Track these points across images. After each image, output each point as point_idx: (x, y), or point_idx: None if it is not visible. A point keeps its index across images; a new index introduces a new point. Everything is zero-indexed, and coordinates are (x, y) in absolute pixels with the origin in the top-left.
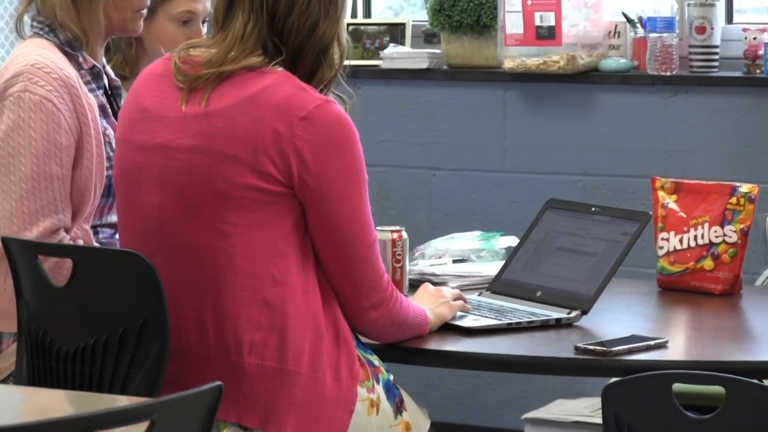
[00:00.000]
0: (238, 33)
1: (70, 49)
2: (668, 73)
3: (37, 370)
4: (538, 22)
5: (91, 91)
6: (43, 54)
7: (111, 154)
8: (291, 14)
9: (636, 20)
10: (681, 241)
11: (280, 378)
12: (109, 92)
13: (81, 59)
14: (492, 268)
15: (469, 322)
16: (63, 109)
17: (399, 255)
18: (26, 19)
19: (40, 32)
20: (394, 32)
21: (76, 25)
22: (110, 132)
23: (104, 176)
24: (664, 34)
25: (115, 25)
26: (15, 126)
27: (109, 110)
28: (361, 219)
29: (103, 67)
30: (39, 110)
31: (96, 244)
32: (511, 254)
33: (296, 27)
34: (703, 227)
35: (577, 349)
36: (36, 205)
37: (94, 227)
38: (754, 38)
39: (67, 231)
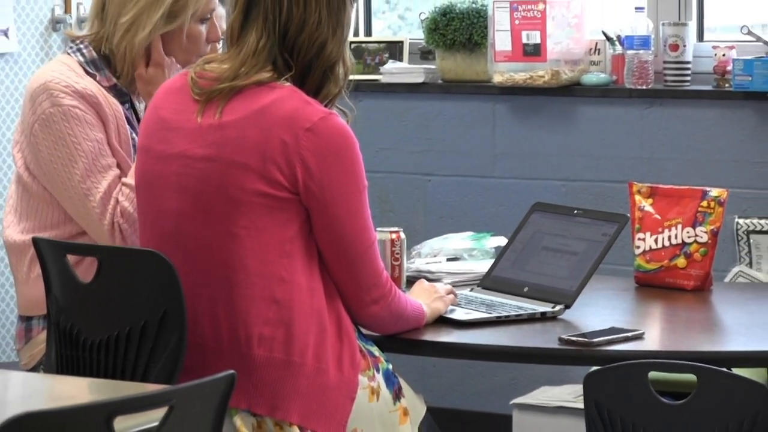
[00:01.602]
0: (251, 49)
1: (93, 68)
2: (644, 87)
3: (65, 360)
4: (525, 40)
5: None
6: (58, 70)
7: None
8: (302, 33)
9: (615, 38)
10: (656, 241)
11: (287, 368)
12: (135, 107)
13: (100, 78)
14: (483, 266)
15: (461, 315)
16: (88, 111)
17: (397, 254)
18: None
19: (68, 50)
20: (393, 49)
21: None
22: (136, 139)
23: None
24: (641, 51)
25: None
26: (57, 139)
27: (135, 122)
28: (362, 222)
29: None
30: (70, 118)
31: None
32: (500, 253)
33: (306, 45)
34: (676, 228)
35: (560, 340)
36: (99, 195)
37: None
38: (723, 55)
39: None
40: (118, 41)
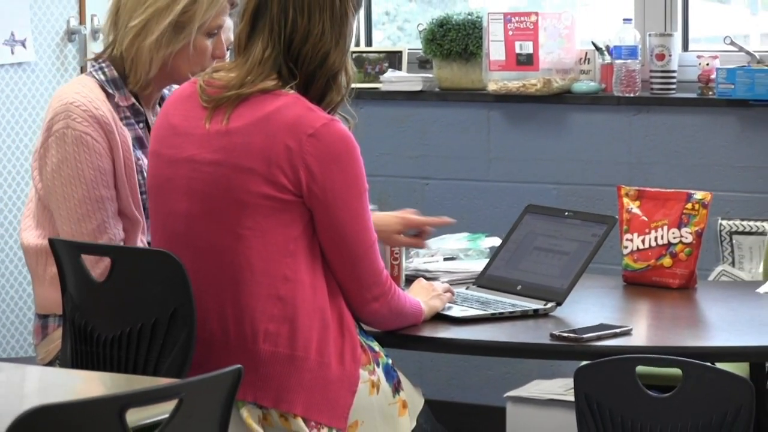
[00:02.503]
0: (257, 58)
1: (113, 87)
2: (632, 95)
3: (80, 355)
4: (518, 50)
5: (129, 125)
6: (81, 92)
7: (142, 181)
8: (306, 43)
9: (604, 48)
10: (643, 241)
11: (291, 363)
12: (149, 126)
13: (118, 98)
14: (478, 265)
15: (458, 312)
16: (100, 140)
17: (396, 254)
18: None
19: (91, 69)
20: (392, 59)
21: (128, 63)
22: (143, 162)
23: (139, 198)
24: (628, 61)
25: (180, 77)
26: (63, 159)
27: (146, 142)
28: (363, 223)
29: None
30: (80, 143)
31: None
32: (495, 253)
33: (310, 55)
34: (662, 229)
35: (552, 336)
36: (92, 225)
37: None
38: (707, 64)
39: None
40: (128, 44)
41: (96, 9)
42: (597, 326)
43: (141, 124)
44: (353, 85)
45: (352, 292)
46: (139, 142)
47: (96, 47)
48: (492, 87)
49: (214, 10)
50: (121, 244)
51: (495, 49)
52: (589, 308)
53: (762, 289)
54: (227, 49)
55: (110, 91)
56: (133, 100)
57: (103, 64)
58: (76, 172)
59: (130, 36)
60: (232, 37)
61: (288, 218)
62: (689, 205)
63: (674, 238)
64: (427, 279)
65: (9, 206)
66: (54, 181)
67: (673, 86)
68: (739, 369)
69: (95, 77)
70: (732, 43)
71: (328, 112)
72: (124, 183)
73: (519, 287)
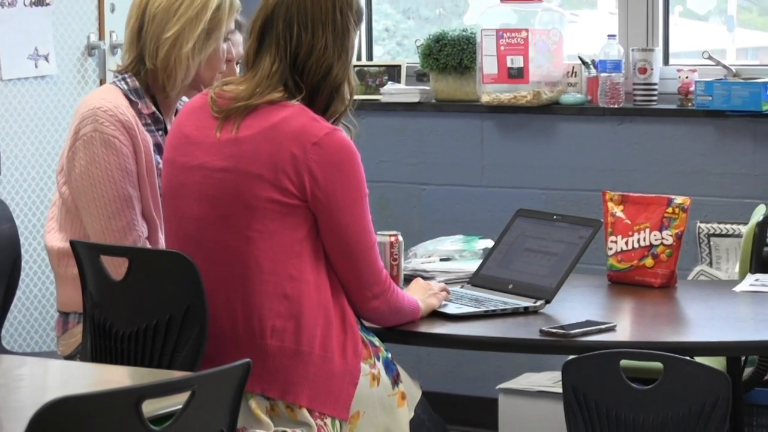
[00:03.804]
0: (265, 72)
1: (136, 96)
2: (616, 106)
3: (99, 349)
4: (509, 64)
5: (150, 131)
6: (107, 99)
7: (161, 184)
8: (310, 58)
9: (589, 62)
10: (627, 243)
11: (297, 357)
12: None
13: (141, 105)
14: (472, 266)
15: (453, 309)
16: (125, 143)
17: (395, 255)
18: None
19: (114, 79)
20: (392, 72)
21: (166, 73)
22: (162, 167)
23: (158, 199)
24: (613, 74)
25: (202, 81)
26: (91, 161)
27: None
28: (363, 226)
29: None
30: (108, 146)
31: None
32: (488, 254)
33: (314, 69)
34: (645, 232)
35: (541, 331)
36: (122, 222)
37: None
38: (686, 77)
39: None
40: (164, 55)
41: (114, 26)
42: (583, 323)
43: (160, 132)
44: (355, 97)
45: (353, 290)
46: (158, 148)
47: (114, 61)
48: (485, 99)
49: (234, 15)
50: (147, 242)
51: (488, 63)
52: (575, 306)
53: (738, 288)
54: (236, 63)
55: (133, 98)
56: (154, 108)
57: (126, 76)
58: (105, 173)
59: (166, 47)
60: (242, 51)
61: (294, 221)
62: (670, 209)
63: (656, 240)
64: (425, 278)
65: (33, 210)
66: (83, 182)
67: (655, 98)
68: (716, 363)
69: (119, 86)
70: (710, 57)
71: (333, 122)
72: (146, 184)
73: (510, 286)
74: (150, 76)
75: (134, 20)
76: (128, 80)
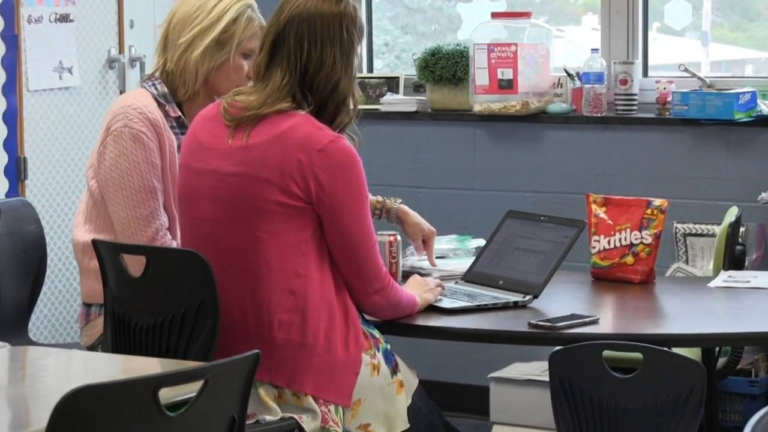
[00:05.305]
0: (276, 84)
1: (164, 100)
2: (599, 115)
3: (119, 341)
4: (500, 76)
5: (175, 133)
6: (137, 99)
7: None
8: (320, 73)
9: (574, 74)
10: (609, 242)
11: (302, 348)
12: None
13: (168, 108)
14: (465, 263)
15: (447, 303)
16: (153, 139)
17: (394, 253)
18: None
19: (144, 84)
20: (391, 84)
21: (178, 77)
22: None
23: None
24: (596, 85)
25: (218, 92)
26: (120, 154)
27: None
28: (364, 227)
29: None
30: (136, 140)
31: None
32: (480, 252)
33: (323, 83)
34: (625, 232)
35: (530, 324)
36: (146, 211)
37: None
38: (664, 88)
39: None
40: (177, 59)
41: (133, 40)
42: (569, 316)
43: (183, 136)
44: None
45: (355, 286)
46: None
47: (133, 73)
48: (477, 108)
49: (250, 32)
50: (168, 232)
51: (480, 75)
52: (561, 300)
53: (712, 284)
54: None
55: (162, 101)
56: (180, 113)
57: (155, 81)
58: (132, 165)
59: (179, 51)
60: None
61: (300, 223)
62: (649, 211)
63: (636, 239)
64: (421, 275)
65: (58, 212)
66: (112, 173)
67: (635, 107)
68: (692, 353)
69: (149, 90)
70: (686, 70)
71: (339, 131)
72: (168, 178)
73: (501, 282)
74: (170, 80)
75: (164, 28)
76: (157, 85)
